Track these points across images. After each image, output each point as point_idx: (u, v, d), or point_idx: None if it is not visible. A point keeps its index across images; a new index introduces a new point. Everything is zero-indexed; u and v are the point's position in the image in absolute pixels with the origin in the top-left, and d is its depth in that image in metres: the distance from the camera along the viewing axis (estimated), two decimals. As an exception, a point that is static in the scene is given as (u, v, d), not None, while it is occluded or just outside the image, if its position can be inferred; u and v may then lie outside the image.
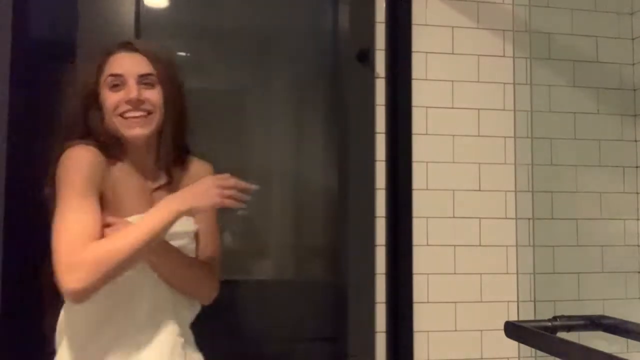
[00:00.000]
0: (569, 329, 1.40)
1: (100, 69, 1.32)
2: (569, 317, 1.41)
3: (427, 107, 1.89)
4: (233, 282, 1.39)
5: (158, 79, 1.32)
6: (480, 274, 1.87)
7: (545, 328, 1.37)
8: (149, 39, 1.79)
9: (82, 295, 1.15)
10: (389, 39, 1.87)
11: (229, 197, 1.24)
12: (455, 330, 1.84)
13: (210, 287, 1.37)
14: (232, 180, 1.26)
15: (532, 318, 1.83)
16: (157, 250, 1.25)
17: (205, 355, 1.38)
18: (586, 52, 2.00)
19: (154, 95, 1.31)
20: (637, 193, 2.00)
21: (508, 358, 1.85)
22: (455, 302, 1.85)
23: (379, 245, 1.83)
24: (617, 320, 1.42)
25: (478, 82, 1.93)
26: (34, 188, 1.31)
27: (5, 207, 1.60)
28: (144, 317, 1.26)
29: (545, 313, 1.47)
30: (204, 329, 1.38)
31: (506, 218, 1.91)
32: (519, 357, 1.84)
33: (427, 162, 1.87)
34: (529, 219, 1.90)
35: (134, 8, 1.83)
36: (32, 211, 1.32)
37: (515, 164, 1.92)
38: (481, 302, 1.86)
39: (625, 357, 1.04)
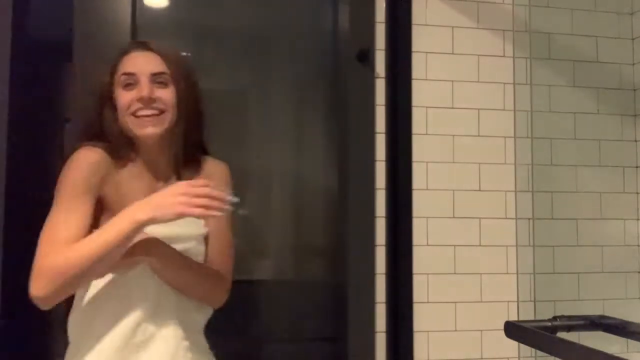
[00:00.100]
0: (569, 329, 1.40)
1: (114, 68, 1.32)
2: (569, 317, 1.41)
3: (427, 107, 1.89)
4: (233, 282, 1.38)
5: (171, 78, 1.30)
6: (480, 274, 1.87)
7: (545, 328, 1.37)
8: (147, 39, 1.79)
9: (44, 303, 1.16)
10: (389, 39, 1.87)
11: (199, 206, 1.15)
12: (455, 330, 1.84)
13: (218, 291, 1.34)
14: (204, 189, 1.17)
15: (532, 318, 1.83)
16: (157, 253, 1.24)
17: (205, 355, 1.38)
18: (586, 52, 2.00)
19: (166, 94, 1.29)
20: (637, 193, 2.00)
21: (508, 358, 1.85)
22: (455, 302, 1.85)
23: (379, 245, 1.83)
24: (617, 320, 1.42)
25: (478, 82, 1.92)
26: (34, 188, 1.31)
27: (5, 207, 1.60)
28: (146, 319, 1.25)
29: (545, 313, 1.47)
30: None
31: (506, 218, 1.90)
32: (519, 357, 1.84)
33: (427, 162, 1.87)
34: (529, 219, 1.90)
35: (130, 8, 1.82)
36: (32, 211, 1.32)
37: (515, 164, 1.92)
38: (481, 302, 1.86)
39: (625, 357, 1.04)
